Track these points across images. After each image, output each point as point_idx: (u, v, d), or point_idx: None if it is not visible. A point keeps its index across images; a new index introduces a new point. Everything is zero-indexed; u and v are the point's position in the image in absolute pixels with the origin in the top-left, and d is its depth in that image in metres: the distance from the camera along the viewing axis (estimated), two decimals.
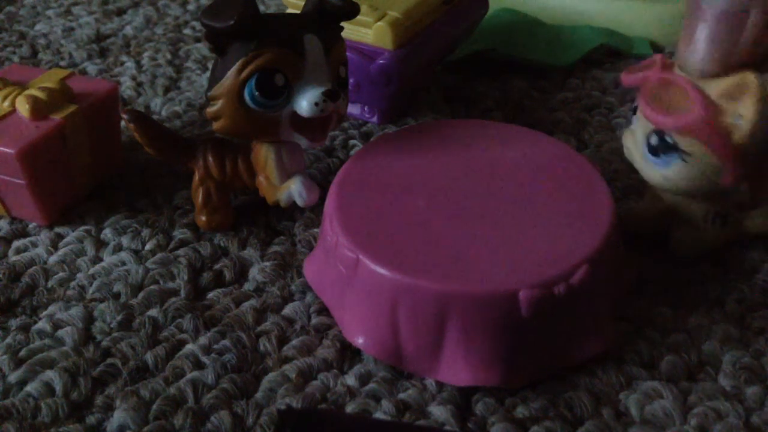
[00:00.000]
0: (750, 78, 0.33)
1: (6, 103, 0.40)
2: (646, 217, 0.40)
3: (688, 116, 0.34)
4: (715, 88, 0.34)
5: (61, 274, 0.39)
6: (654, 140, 0.36)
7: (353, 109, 0.51)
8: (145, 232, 0.41)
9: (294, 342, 0.35)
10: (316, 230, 0.41)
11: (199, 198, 0.40)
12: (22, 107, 0.40)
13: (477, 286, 0.31)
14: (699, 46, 0.34)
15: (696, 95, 0.34)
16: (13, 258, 0.40)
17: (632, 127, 0.38)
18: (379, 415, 0.32)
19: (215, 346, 0.35)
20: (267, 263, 0.39)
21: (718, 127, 0.34)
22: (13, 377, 0.33)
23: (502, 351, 0.32)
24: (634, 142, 0.38)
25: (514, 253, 0.33)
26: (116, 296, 0.38)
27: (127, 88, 0.54)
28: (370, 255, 0.33)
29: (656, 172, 0.37)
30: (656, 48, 0.59)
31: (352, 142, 0.49)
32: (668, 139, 0.35)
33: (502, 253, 0.33)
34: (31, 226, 0.42)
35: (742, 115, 0.33)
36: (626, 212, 0.41)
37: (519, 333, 0.32)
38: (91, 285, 0.38)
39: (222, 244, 0.41)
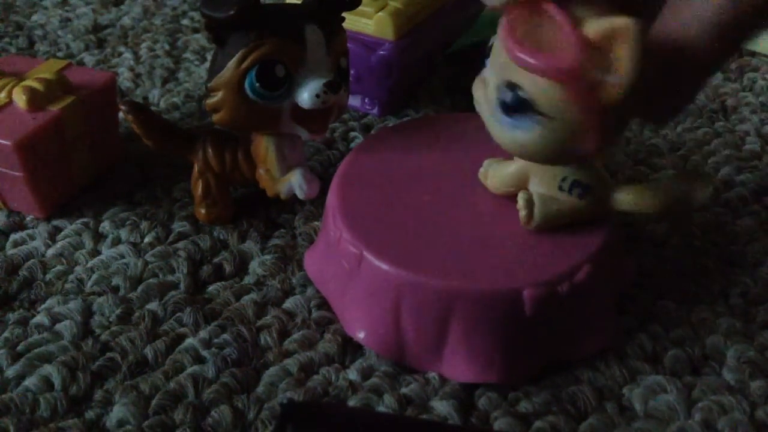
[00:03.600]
0: (626, 24, 0.26)
1: (2, 95, 0.40)
2: (499, 185, 0.35)
3: (561, 58, 0.27)
4: (589, 31, 0.27)
5: (59, 267, 0.38)
6: (507, 96, 0.29)
7: (354, 101, 0.50)
8: (144, 224, 0.41)
9: (295, 336, 0.35)
10: (316, 223, 0.41)
11: (199, 190, 0.40)
12: (19, 98, 0.39)
13: (481, 284, 0.31)
14: None
15: (571, 32, 0.27)
16: (10, 251, 0.39)
17: (484, 74, 0.31)
18: (381, 409, 0.32)
19: (215, 340, 0.35)
20: (267, 256, 0.39)
21: (588, 80, 0.27)
22: (11, 372, 0.33)
23: (505, 348, 0.32)
24: (486, 94, 0.31)
25: (517, 251, 0.32)
26: (115, 290, 0.37)
27: (124, 79, 0.54)
28: (374, 250, 0.32)
29: (508, 135, 0.30)
30: None
31: (352, 134, 0.48)
32: (523, 95, 0.29)
33: (505, 251, 0.32)
34: (28, 218, 0.42)
35: (617, 70, 0.26)
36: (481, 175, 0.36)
37: (522, 331, 0.32)
38: (89, 278, 0.38)
39: (222, 237, 0.40)
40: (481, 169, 0.35)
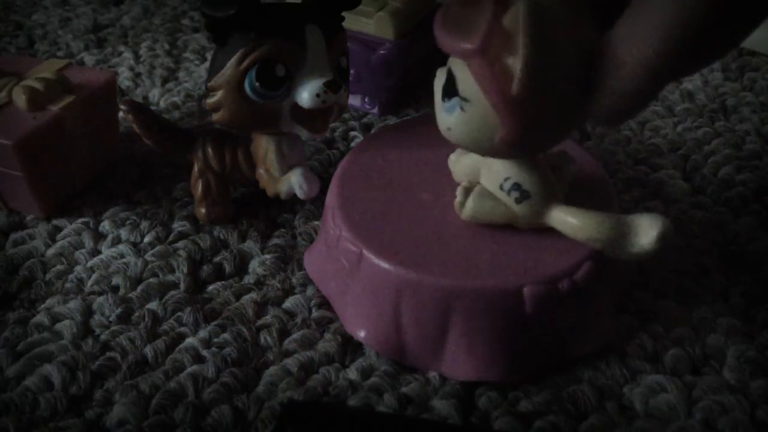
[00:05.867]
0: (518, 4, 0.25)
1: (2, 94, 0.40)
2: (459, 175, 0.35)
3: (467, 37, 0.26)
4: (506, 16, 0.26)
5: (59, 266, 0.38)
6: (443, 79, 0.30)
7: (354, 100, 0.50)
8: (144, 224, 0.41)
9: (295, 335, 0.35)
10: (316, 223, 0.41)
11: (199, 190, 0.40)
12: (19, 98, 0.39)
13: (481, 282, 0.31)
14: None
15: (488, 14, 0.26)
16: (10, 251, 0.39)
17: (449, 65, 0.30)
18: (381, 409, 0.32)
19: (215, 340, 0.35)
20: (267, 256, 0.39)
21: (497, 65, 0.26)
22: (11, 371, 0.33)
23: (505, 346, 0.32)
24: (439, 82, 0.31)
25: (518, 249, 0.32)
26: (115, 289, 0.37)
27: (124, 78, 0.54)
28: (374, 249, 0.32)
29: (442, 119, 0.30)
30: None
31: (352, 133, 0.48)
32: (452, 77, 0.29)
33: (506, 248, 0.32)
34: (28, 218, 0.42)
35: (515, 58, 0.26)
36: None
37: (522, 329, 0.31)
38: (89, 278, 0.38)
39: (222, 237, 0.40)
40: (452, 156, 0.35)
